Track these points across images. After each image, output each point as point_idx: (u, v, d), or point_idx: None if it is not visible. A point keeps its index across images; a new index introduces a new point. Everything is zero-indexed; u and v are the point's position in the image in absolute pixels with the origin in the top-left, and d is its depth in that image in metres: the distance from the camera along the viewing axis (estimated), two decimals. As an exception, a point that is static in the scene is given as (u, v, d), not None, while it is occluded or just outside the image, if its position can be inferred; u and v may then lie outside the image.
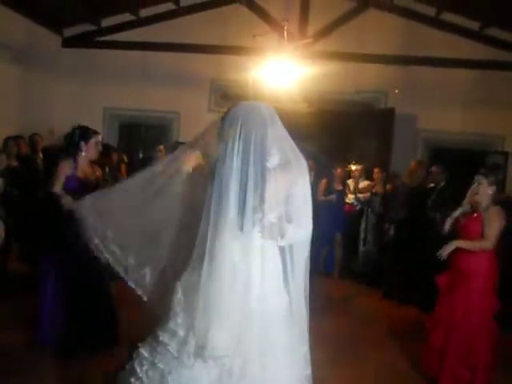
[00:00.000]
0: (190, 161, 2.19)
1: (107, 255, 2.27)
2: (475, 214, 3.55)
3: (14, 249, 5.66)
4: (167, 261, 2.24)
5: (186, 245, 2.06)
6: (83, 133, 3.84)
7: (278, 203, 1.95)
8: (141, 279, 2.25)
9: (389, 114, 7.72)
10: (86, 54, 8.54)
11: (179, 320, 1.96)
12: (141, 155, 9.01)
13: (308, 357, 2.07)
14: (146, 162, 7.30)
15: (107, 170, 5.77)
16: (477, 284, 3.49)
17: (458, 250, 3.50)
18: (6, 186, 5.19)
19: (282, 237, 1.97)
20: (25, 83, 7.70)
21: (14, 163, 5.51)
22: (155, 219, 2.25)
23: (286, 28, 7.09)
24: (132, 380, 1.99)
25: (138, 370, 1.99)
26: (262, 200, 1.90)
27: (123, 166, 6.96)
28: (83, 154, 3.82)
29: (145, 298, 2.27)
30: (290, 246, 2.01)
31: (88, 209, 2.35)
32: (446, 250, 3.48)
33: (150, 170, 2.28)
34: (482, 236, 3.47)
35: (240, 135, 1.91)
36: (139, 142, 9.16)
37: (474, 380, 3.49)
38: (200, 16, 8.31)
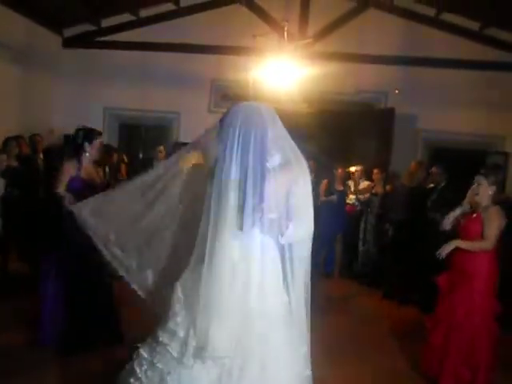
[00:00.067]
0: (190, 160, 2.20)
1: (110, 258, 2.28)
2: (475, 215, 3.55)
3: (14, 249, 5.66)
4: (167, 260, 2.25)
5: (186, 244, 2.06)
6: (87, 134, 3.84)
7: (277, 203, 1.96)
8: (143, 281, 2.26)
9: (389, 114, 7.72)
10: (86, 54, 8.54)
11: (179, 319, 1.96)
12: (141, 155, 9.01)
13: (308, 357, 2.07)
14: (146, 162, 7.32)
15: (107, 170, 5.78)
16: (478, 284, 3.49)
17: (458, 250, 3.50)
18: (7, 186, 5.20)
19: (282, 234, 1.98)
20: (25, 83, 7.71)
21: (15, 163, 5.51)
22: (156, 221, 2.26)
23: (286, 28, 7.09)
24: (131, 380, 2.00)
25: (138, 370, 2.00)
26: (261, 199, 1.91)
27: (123, 167, 6.97)
28: (87, 154, 3.83)
29: (144, 297, 2.28)
30: (290, 246, 2.01)
31: (89, 211, 2.36)
32: (445, 250, 3.48)
33: (151, 173, 2.29)
34: (481, 236, 3.47)
35: (239, 135, 1.91)
36: (139, 143, 9.15)
37: (475, 380, 3.49)
38: (200, 16, 8.31)
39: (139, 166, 7.28)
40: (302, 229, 2.00)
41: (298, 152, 2.01)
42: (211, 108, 8.56)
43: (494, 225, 3.44)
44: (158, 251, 2.26)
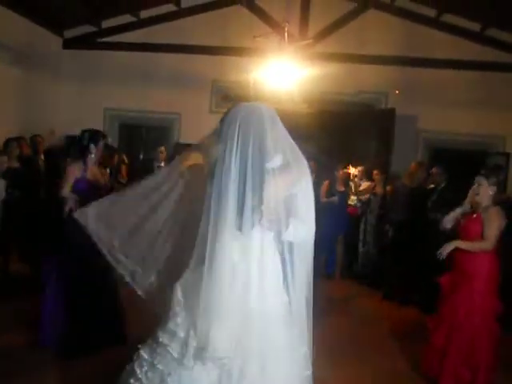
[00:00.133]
0: (189, 160, 2.20)
1: (115, 264, 2.28)
2: (475, 215, 3.55)
3: (15, 250, 5.66)
4: (168, 261, 2.25)
5: (186, 244, 2.06)
6: (93, 135, 3.86)
7: (277, 204, 1.96)
8: (149, 287, 2.26)
9: (389, 115, 7.72)
10: (87, 55, 8.55)
11: (179, 320, 1.96)
12: (141, 156, 9.01)
13: (308, 357, 2.07)
14: (147, 163, 7.32)
15: (108, 171, 5.77)
16: (478, 284, 3.49)
17: (459, 250, 3.51)
18: (8, 187, 5.20)
19: (282, 234, 1.97)
20: (25, 84, 7.72)
21: (16, 164, 5.51)
22: (159, 225, 2.26)
23: (286, 29, 7.09)
24: (132, 381, 2.00)
25: (138, 371, 2.00)
26: (260, 200, 1.91)
27: (124, 167, 6.97)
28: (93, 156, 3.83)
29: (145, 298, 2.28)
30: (290, 247, 2.00)
31: (92, 218, 2.36)
32: (445, 250, 3.48)
33: (155, 177, 2.30)
34: (481, 237, 3.48)
35: (238, 136, 1.91)
36: (140, 143, 9.16)
37: (476, 380, 3.49)
38: (201, 17, 8.32)
39: (140, 167, 7.29)
40: (304, 230, 1.99)
41: (299, 153, 2.00)
42: (212, 109, 8.57)
43: (494, 225, 3.44)
44: (160, 253, 2.26)
